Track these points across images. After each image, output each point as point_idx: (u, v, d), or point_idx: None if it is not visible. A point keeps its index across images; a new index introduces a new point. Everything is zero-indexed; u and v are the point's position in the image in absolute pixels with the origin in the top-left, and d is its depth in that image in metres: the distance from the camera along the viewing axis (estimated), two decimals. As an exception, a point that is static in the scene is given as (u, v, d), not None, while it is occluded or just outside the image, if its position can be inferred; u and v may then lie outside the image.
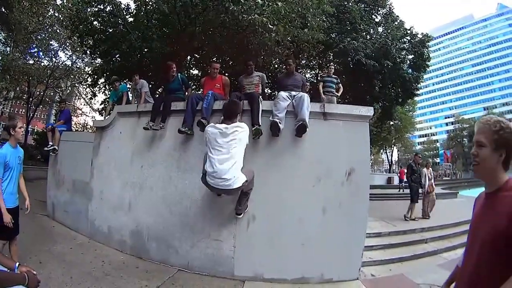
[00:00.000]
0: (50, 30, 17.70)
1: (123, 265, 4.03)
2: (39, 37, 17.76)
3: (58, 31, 17.75)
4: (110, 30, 10.01)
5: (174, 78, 5.26)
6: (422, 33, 14.90)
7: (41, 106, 25.56)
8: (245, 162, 3.82)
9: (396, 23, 14.84)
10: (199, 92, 5.35)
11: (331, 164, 3.94)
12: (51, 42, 18.98)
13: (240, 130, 3.30)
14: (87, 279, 3.47)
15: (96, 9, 9.82)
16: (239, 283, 3.74)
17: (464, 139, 59.24)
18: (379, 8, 15.04)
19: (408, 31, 14.74)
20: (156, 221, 4.36)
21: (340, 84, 6.81)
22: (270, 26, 6.72)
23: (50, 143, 6.49)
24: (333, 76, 6.80)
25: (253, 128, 3.90)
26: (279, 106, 3.94)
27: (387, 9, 15.27)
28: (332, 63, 7.86)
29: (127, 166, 4.76)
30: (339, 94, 6.74)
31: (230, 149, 3.22)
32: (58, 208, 6.01)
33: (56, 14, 16.36)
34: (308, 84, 5.22)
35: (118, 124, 5.18)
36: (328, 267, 3.85)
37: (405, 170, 11.43)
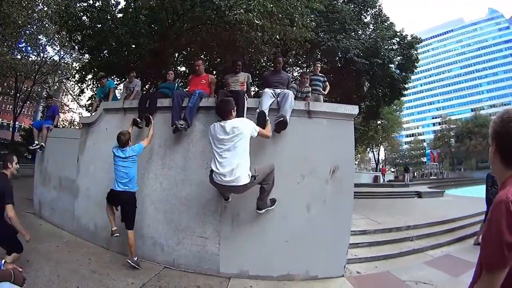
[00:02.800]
0: (39, 24, 17.43)
1: (109, 263, 4.03)
2: (28, 31, 17.47)
3: (47, 26, 17.50)
4: (99, 26, 9.89)
5: (173, 81, 5.61)
6: (412, 36, 14.99)
7: (28, 102, 25.11)
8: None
9: (386, 24, 14.88)
10: (185, 90, 5.38)
11: (315, 162, 3.98)
12: (39, 37, 18.71)
13: (241, 125, 3.28)
14: (74, 277, 3.46)
15: (86, 4, 9.70)
16: (224, 280, 3.76)
17: (451, 139, 60.20)
18: (369, 9, 15.03)
19: (398, 33, 14.79)
20: (142, 218, 4.33)
21: (327, 83, 6.81)
22: (257, 22, 6.72)
23: (36, 142, 6.39)
24: (319, 74, 6.79)
25: None
26: (264, 103, 3.98)
27: (377, 9, 15.26)
28: (318, 62, 7.81)
29: (112, 163, 4.71)
30: (326, 93, 6.75)
31: (233, 145, 3.21)
32: (45, 205, 5.95)
33: (45, 9, 16.11)
34: (294, 84, 5.19)
35: (104, 120, 5.13)
36: (313, 264, 3.89)
37: (390, 169, 11.37)
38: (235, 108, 3.46)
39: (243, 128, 3.26)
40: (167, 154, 4.36)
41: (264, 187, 3.57)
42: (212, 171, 3.32)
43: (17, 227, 3.27)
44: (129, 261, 3.85)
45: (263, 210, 3.83)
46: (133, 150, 3.97)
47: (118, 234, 3.92)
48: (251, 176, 3.25)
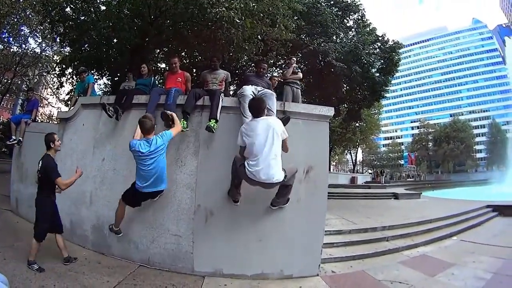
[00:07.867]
0: (22, 14, 16.87)
1: (85, 261, 4.00)
2: (11, 21, 16.90)
3: (30, 16, 16.96)
4: (82, 18, 9.69)
5: (147, 76, 5.61)
6: (393, 40, 15.36)
7: (7, 95, 24.25)
8: (206, 158, 3.82)
9: (368, 29, 15.13)
10: (162, 87, 5.38)
11: (289, 162, 3.92)
12: (21, 28, 18.12)
13: (275, 122, 3.39)
14: (50, 275, 3.45)
15: (69, -6, 9.48)
16: (199, 278, 3.78)
17: (429, 142, 61.71)
18: (351, 13, 15.21)
19: (380, 37, 15.12)
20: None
21: (299, 71, 6.73)
22: (237, 21, 6.82)
23: (13, 137, 6.23)
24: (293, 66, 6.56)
25: (207, 123, 3.90)
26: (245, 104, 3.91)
27: (360, 14, 15.42)
28: (293, 56, 7.60)
29: (89, 158, 4.65)
30: (301, 76, 6.64)
31: (269, 141, 3.26)
32: (22, 202, 5.78)
33: (30, -1, 15.62)
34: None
35: (81, 116, 5.05)
36: (287, 263, 3.95)
37: (368, 171, 11.35)
38: (267, 108, 3.52)
39: (277, 126, 3.36)
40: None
41: (286, 186, 3.61)
42: (244, 165, 3.34)
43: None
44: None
45: (276, 207, 3.88)
46: (162, 137, 3.54)
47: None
48: (284, 176, 3.32)
